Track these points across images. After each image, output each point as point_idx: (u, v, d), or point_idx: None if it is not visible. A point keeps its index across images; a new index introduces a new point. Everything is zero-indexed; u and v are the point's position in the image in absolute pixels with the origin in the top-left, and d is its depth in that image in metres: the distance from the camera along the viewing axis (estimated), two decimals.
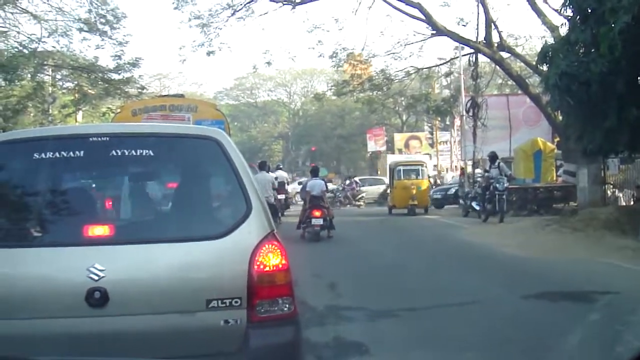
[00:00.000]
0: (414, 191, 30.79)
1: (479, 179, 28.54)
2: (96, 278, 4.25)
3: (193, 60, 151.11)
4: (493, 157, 24.91)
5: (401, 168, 33.10)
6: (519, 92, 32.53)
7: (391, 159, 46.62)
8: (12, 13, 31.52)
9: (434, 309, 9.90)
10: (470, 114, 32.40)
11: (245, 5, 30.81)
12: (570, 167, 25.19)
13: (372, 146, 68.47)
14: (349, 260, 15.66)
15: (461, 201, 30.52)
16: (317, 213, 20.21)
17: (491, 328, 8.49)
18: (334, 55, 34.26)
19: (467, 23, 30.52)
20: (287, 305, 4.59)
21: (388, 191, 36.57)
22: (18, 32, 31.70)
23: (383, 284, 12.11)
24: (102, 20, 32.54)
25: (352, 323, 9.02)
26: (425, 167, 35.42)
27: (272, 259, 4.53)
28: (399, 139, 64.20)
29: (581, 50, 17.14)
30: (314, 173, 22.86)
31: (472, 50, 30.58)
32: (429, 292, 11.00)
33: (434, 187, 39.46)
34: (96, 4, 32.29)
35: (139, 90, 35.73)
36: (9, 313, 4.28)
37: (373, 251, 17.52)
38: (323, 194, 21.36)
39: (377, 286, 11.83)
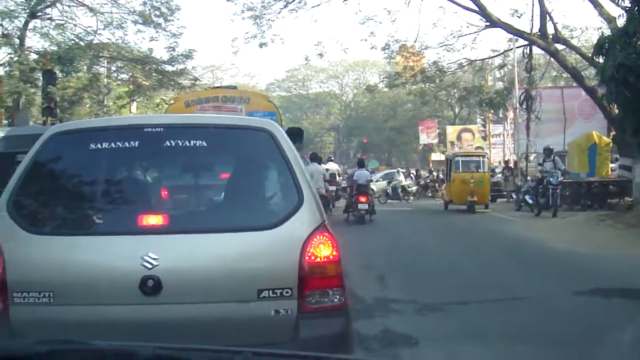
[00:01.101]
0: (474, 185, 27.36)
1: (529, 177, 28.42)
2: (150, 267, 4.32)
3: (245, 52, 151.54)
4: (548, 151, 24.65)
5: (460, 159, 29.35)
6: (574, 84, 31.99)
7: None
8: (69, 6, 32.06)
9: (484, 303, 9.82)
10: (524, 106, 32.01)
11: None
12: (626, 161, 24.72)
13: (424, 139, 68.13)
14: (398, 253, 15.63)
15: (514, 195, 30.12)
16: (362, 199, 23.40)
17: (543, 324, 8.39)
18: (387, 47, 34.11)
19: (521, 14, 30.05)
20: (337, 297, 4.61)
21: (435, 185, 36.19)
22: (75, 25, 32.24)
23: (432, 277, 12.07)
24: (157, 12, 32.93)
25: (401, 316, 9.01)
26: (487, 158, 31.91)
27: (323, 250, 4.55)
28: (451, 131, 63.73)
29: (639, 42, 16.82)
30: (361, 164, 26.30)
31: (526, 42, 30.16)
32: (480, 287, 10.90)
33: None
34: None
35: (192, 81, 36.07)
36: (66, 299, 4.38)
37: (422, 244, 17.45)
38: (368, 182, 24.84)
39: (426, 279, 11.80)
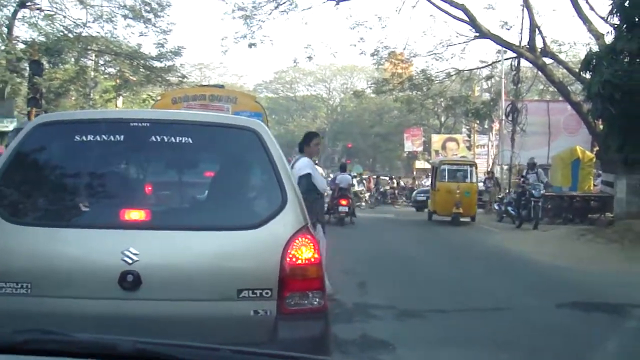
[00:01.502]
0: (460, 196, 25.82)
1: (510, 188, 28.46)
2: (130, 262, 4.29)
3: (234, 51, 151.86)
4: (532, 164, 24.80)
5: (446, 167, 27.63)
6: (560, 98, 32.22)
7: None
8: None
9: (463, 312, 9.85)
10: (510, 118, 32.20)
11: None
12: (609, 177, 24.87)
13: (408, 146, 68.39)
14: (378, 260, 15.65)
15: (496, 206, 30.15)
16: (343, 202, 25.04)
17: (522, 334, 8.42)
18: (376, 53, 34.23)
19: (511, 27, 30.15)
20: (317, 299, 4.59)
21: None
22: (64, 17, 32.13)
23: (412, 284, 12.09)
24: (147, 7, 32.88)
25: (380, 321, 9.01)
26: (476, 168, 29.57)
27: (304, 252, 4.53)
28: (437, 140, 63.99)
29: (626, 60, 16.97)
30: (343, 169, 28.45)
31: (514, 55, 30.35)
32: (459, 295, 10.93)
33: None
34: None
35: (180, 79, 36.06)
36: (44, 291, 4.34)
37: (403, 251, 17.50)
38: (349, 186, 26.52)
39: (406, 286, 11.82)
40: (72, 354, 2.02)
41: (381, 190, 46.36)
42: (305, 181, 9.86)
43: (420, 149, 67.89)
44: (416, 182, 53.72)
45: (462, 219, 26.24)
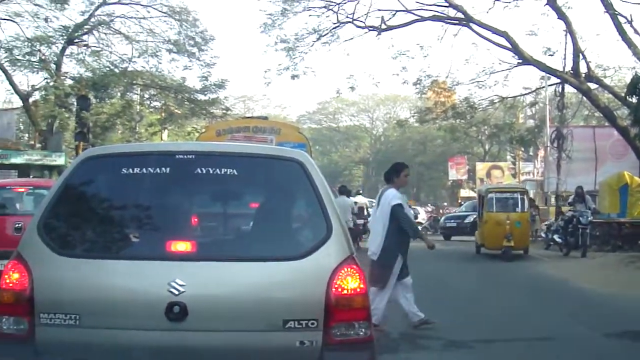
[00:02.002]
0: (510, 227, 22.83)
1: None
2: (176, 293, 4.33)
3: (277, 83, 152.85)
4: (580, 190, 24.43)
5: (494, 196, 24.52)
6: (606, 124, 31.82)
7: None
8: (105, 34, 32.66)
9: (510, 342, 9.70)
10: (555, 145, 31.85)
11: (330, 30, 31.02)
12: None
13: (453, 174, 67.94)
14: (424, 289, 15.48)
15: (543, 234, 29.58)
16: None
17: None
18: (418, 82, 34.09)
19: (554, 53, 29.83)
20: (363, 330, 4.57)
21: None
22: (110, 52, 32.80)
23: (458, 314, 11.94)
24: (191, 42, 33.35)
25: (426, 351, 8.94)
26: (527, 195, 26.79)
27: (350, 282, 4.52)
28: (481, 168, 63.50)
29: None
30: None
31: (558, 81, 30.11)
32: (506, 325, 10.77)
33: None
34: (186, 26, 33.14)
35: (224, 111, 36.38)
36: (92, 322, 4.39)
37: (448, 280, 17.31)
38: None
39: (452, 316, 11.67)
40: None
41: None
42: (401, 210, 9.99)
43: (465, 177, 67.43)
44: (441, 211, 52.83)
45: (514, 252, 23.26)
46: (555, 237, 25.66)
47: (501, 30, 28.34)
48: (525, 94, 37.52)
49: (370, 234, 10.32)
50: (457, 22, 29.83)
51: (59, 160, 31.14)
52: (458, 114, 35.81)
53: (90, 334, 4.36)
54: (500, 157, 67.15)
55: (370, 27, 30.53)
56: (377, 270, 9.89)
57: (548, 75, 31.05)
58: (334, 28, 30.98)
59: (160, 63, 33.83)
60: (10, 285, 4.54)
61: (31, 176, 28.78)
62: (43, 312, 4.44)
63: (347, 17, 30.34)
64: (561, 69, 28.57)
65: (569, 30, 27.65)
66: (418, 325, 10.06)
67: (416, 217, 28.78)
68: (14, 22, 30.91)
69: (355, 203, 25.82)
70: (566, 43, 28.33)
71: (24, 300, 4.47)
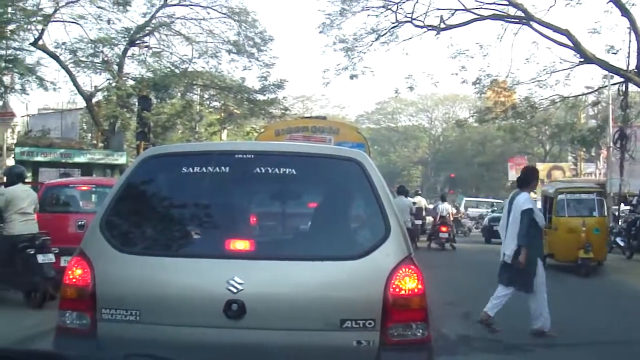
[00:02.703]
0: (587, 235, 18.45)
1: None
2: (235, 291, 4.37)
3: (336, 83, 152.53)
4: None
5: (565, 198, 20.09)
6: None
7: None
8: (166, 35, 33.02)
9: (572, 346, 9.51)
10: (618, 145, 31.22)
11: (389, 30, 30.89)
12: None
13: (512, 175, 66.94)
14: (483, 291, 15.31)
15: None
16: (443, 229, 27.50)
17: None
18: (477, 81, 33.72)
19: (617, 51, 29.22)
20: (420, 331, 4.55)
21: None
22: (171, 53, 33.17)
23: (518, 316, 11.76)
24: (250, 42, 33.49)
25: (484, 354, 8.84)
26: (604, 196, 22.95)
27: (408, 282, 4.50)
28: (541, 168, 62.28)
29: None
30: (443, 199, 30.89)
31: (621, 79, 29.47)
32: (567, 329, 10.53)
33: None
34: (245, 27, 33.31)
35: (283, 111, 36.49)
36: (152, 318, 4.46)
37: None
38: (449, 215, 28.70)
39: (512, 319, 11.50)
40: None
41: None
42: (527, 216, 9.95)
43: None
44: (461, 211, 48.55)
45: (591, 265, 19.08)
46: (618, 240, 25.13)
47: (562, 29, 27.87)
48: (588, 93, 36.84)
49: (505, 239, 10.31)
50: (517, 20, 29.45)
51: (120, 159, 31.68)
52: (518, 113, 35.33)
53: (150, 330, 4.43)
54: (562, 158, 66.11)
55: (429, 26, 30.33)
56: (519, 276, 10.03)
57: (611, 73, 30.43)
58: (392, 28, 30.86)
59: (220, 64, 34.14)
60: (74, 280, 4.64)
61: (94, 175, 29.31)
62: (105, 307, 4.53)
63: (406, 16, 30.19)
64: (625, 68, 27.96)
65: (633, 28, 27.03)
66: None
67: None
68: (77, 24, 31.47)
69: (414, 203, 25.77)
70: (630, 41, 27.69)
71: (86, 296, 4.56)
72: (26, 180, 12.23)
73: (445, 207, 28.98)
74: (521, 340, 9.45)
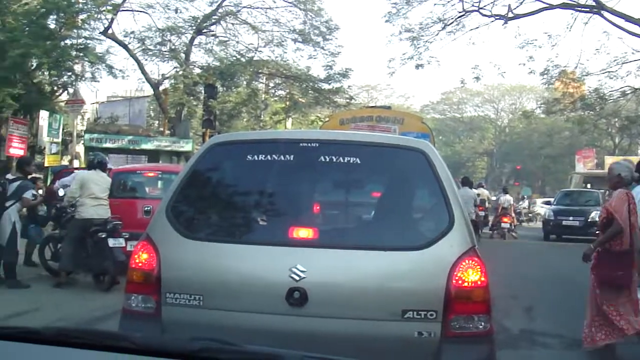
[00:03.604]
0: None
1: None
2: (297, 278, 4.38)
3: (401, 72, 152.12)
4: None
5: None
6: None
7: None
8: (232, 24, 33.27)
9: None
10: None
11: (456, 19, 30.65)
12: None
13: (580, 168, 65.88)
14: (546, 285, 15.13)
15: None
16: (505, 219, 28.64)
17: None
18: (545, 72, 33.23)
19: None
20: (482, 323, 4.50)
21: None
22: (237, 42, 33.48)
23: (579, 311, 11.54)
24: (316, 31, 33.54)
25: (546, 350, 8.68)
26: None
27: (471, 274, 4.46)
28: (610, 161, 61.35)
29: None
30: (505, 191, 32.23)
31: None
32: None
33: None
34: (311, 15, 33.37)
35: (347, 100, 36.50)
36: (214, 303, 4.51)
37: (573, 277, 16.78)
38: (510, 206, 29.83)
39: (575, 314, 11.28)
40: None
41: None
42: None
43: (593, 171, 65.37)
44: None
45: None
46: None
47: (635, 18, 27.25)
48: None
49: None
50: (588, 9, 28.89)
51: (186, 146, 32.07)
52: (587, 105, 34.73)
53: (213, 315, 4.48)
54: (631, 151, 64.70)
55: (497, 15, 29.96)
56: None
57: None
58: (459, 17, 30.60)
59: (286, 52, 34.34)
60: (140, 265, 4.73)
61: (160, 161, 29.75)
62: (169, 291, 4.59)
63: (473, 5, 29.91)
64: None
65: None
66: None
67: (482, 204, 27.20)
68: (146, 13, 32.04)
69: (478, 195, 25.50)
70: None
71: (152, 280, 4.63)
72: (106, 169, 12.49)
73: (507, 199, 29.89)
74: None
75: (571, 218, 28.18)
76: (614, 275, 7.94)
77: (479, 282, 4.48)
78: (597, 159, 65.04)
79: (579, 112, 36.57)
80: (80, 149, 30.04)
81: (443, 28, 30.91)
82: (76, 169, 19.37)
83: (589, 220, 26.52)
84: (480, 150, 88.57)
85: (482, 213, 26.44)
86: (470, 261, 4.48)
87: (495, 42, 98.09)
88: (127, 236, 11.67)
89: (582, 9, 29.15)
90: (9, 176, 12.62)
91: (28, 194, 11.72)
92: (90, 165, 12.47)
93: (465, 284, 4.44)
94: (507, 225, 28.63)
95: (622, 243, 7.92)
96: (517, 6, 29.72)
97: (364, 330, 4.40)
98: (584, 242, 23.55)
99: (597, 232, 9.41)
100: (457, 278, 4.42)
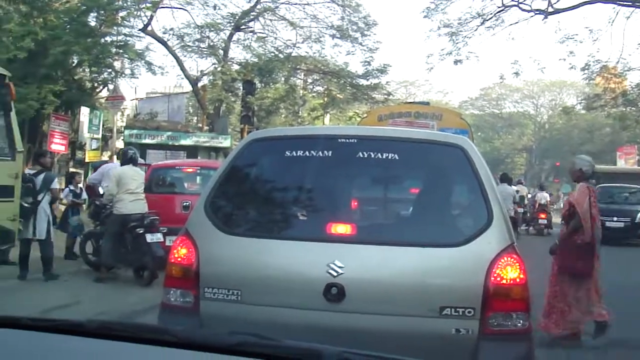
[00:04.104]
0: None
1: None
2: (335, 274, 4.38)
3: (440, 68, 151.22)
4: None
5: None
6: None
7: None
8: (270, 20, 33.31)
9: None
10: None
11: (495, 14, 30.39)
12: None
13: (621, 164, 65.12)
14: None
15: None
16: (542, 216, 29.36)
17: None
18: (586, 67, 32.85)
19: None
20: (521, 321, 4.47)
21: None
22: (275, 38, 33.47)
23: (625, 310, 11.35)
24: (354, 27, 33.46)
25: (586, 349, 8.59)
26: None
27: (510, 272, 4.43)
28: None
29: None
30: (542, 188, 33.20)
31: None
32: None
33: None
34: (349, 11, 33.30)
35: (385, 96, 36.39)
36: (252, 299, 4.54)
37: (618, 277, 16.51)
38: (547, 202, 30.31)
39: (618, 312, 11.12)
40: (279, 359, 2.09)
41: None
42: None
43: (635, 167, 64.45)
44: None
45: None
46: None
47: None
48: None
49: None
50: (630, 3, 28.47)
51: (224, 142, 32.22)
52: (629, 101, 34.29)
53: (251, 310, 4.51)
54: None
55: (537, 10, 29.66)
56: None
57: None
58: (498, 12, 30.33)
59: (324, 48, 34.29)
60: (179, 259, 4.77)
61: (198, 157, 29.94)
62: (207, 286, 4.63)
63: (512, 0, 29.61)
64: None
65: None
66: None
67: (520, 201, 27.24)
68: (185, 10, 32.18)
69: (517, 192, 25.29)
70: None
71: (190, 275, 4.67)
72: (138, 163, 12.64)
73: (543, 195, 30.73)
74: (629, 334, 9.13)
75: (615, 219, 23.66)
76: (574, 265, 8.36)
77: (517, 280, 4.44)
78: (639, 156, 64.19)
79: (621, 108, 36.12)
80: (120, 144, 30.31)
81: (482, 23, 30.70)
82: (103, 162, 19.55)
83: (636, 221, 24.05)
84: (519, 146, 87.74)
85: (520, 210, 26.26)
86: (509, 258, 4.45)
87: (535, 37, 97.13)
88: (165, 231, 11.77)
89: (624, 3, 28.73)
90: (29, 171, 12.81)
91: (55, 185, 11.94)
92: (124, 161, 12.59)
93: (504, 281, 4.41)
94: (544, 222, 29.10)
95: (583, 234, 8.30)
96: (558, 1, 29.44)
97: (401, 327, 4.39)
98: (631, 246, 23.13)
99: (562, 223, 9.61)
100: (495, 275, 4.40)
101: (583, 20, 42.92)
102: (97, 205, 12.90)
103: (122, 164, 12.76)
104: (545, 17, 29.71)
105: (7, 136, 9.84)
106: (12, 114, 9.99)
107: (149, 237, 11.54)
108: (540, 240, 23.68)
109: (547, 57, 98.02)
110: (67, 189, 15.28)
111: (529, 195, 33.60)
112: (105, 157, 27.57)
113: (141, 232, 11.58)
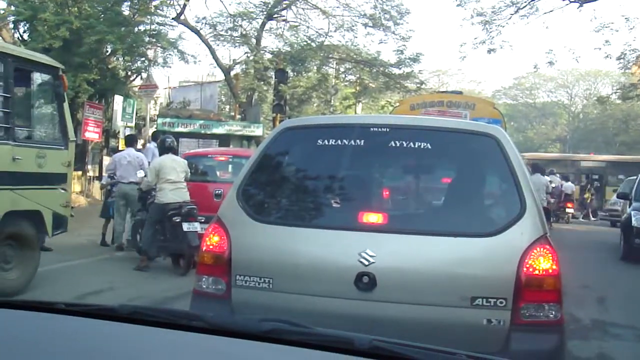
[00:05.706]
0: None
1: None
2: (366, 263, 4.39)
3: (473, 57, 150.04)
4: None
5: None
6: None
7: None
8: (303, 9, 33.31)
9: None
10: None
11: (529, 2, 30.07)
12: None
13: None
14: (618, 274, 14.83)
15: None
16: (569, 205, 30.80)
17: None
18: (622, 56, 32.45)
19: None
20: (553, 312, 4.45)
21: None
22: (308, 27, 33.46)
23: None
24: (387, 16, 33.33)
25: (618, 341, 8.53)
26: None
27: (542, 262, 4.41)
28: None
29: None
30: (567, 179, 33.50)
31: None
32: None
33: None
34: (381, 0, 33.14)
35: (418, 85, 36.22)
36: (283, 286, 4.57)
37: None
38: (573, 192, 31.86)
39: None
40: (311, 346, 2.11)
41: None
42: None
43: None
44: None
45: None
46: None
47: None
48: None
49: None
50: None
51: (257, 131, 32.28)
52: None
53: (282, 297, 4.54)
54: None
55: None
56: None
57: None
58: (532, 0, 30.03)
59: (356, 37, 34.20)
60: (211, 247, 4.81)
61: (231, 145, 30.04)
62: (239, 274, 4.67)
63: None
64: None
65: None
66: None
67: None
68: None
69: (550, 182, 25.09)
70: None
71: (222, 262, 4.71)
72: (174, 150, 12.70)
73: (569, 186, 32.18)
74: None
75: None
76: None
77: (550, 271, 4.42)
78: None
79: None
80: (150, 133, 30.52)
81: (516, 12, 30.38)
82: (115, 151, 19.65)
83: None
84: (553, 136, 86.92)
85: (552, 200, 26.07)
86: (542, 249, 4.43)
87: (570, 25, 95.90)
88: (202, 220, 11.81)
89: None
90: None
91: None
92: (162, 150, 12.65)
93: (536, 272, 4.40)
94: (571, 211, 31.20)
95: None
96: None
97: (433, 316, 4.40)
98: None
99: None
100: (527, 266, 4.38)
101: (619, 8, 42.67)
102: (143, 192, 12.97)
103: (160, 154, 12.83)
104: (581, 5, 29.35)
105: (61, 126, 10.03)
106: (65, 104, 10.17)
107: (185, 226, 11.60)
108: (568, 231, 25.03)
109: (582, 46, 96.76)
110: (106, 175, 15.38)
111: (553, 185, 32.98)
112: (138, 146, 27.78)
113: (178, 220, 11.66)
